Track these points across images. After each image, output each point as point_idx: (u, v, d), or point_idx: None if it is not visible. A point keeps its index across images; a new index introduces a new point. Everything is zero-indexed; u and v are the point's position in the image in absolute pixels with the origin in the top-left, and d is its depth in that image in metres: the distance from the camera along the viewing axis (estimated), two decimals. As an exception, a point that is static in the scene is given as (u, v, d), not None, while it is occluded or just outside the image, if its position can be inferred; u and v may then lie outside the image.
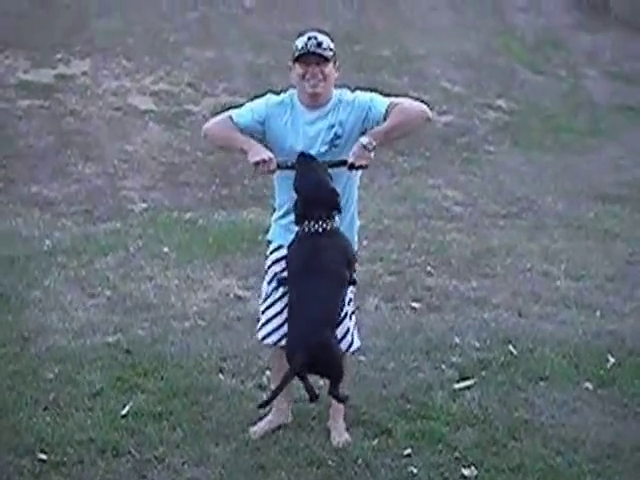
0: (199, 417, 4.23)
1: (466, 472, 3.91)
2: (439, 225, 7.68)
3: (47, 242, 6.81)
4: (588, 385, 4.76)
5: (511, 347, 5.17)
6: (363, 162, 3.78)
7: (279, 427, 4.15)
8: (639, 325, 5.63)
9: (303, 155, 3.80)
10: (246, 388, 4.59)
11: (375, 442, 4.11)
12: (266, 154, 3.80)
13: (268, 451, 3.91)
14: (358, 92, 3.94)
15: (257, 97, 4.03)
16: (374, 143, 3.76)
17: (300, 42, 3.83)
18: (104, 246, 6.74)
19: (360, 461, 3.95)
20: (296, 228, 3.82)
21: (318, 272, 3.69)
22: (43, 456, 3.88)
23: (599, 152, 10.71)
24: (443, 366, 4.93)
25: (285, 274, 3.88)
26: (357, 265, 4.03)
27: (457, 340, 5.26)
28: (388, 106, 3.83)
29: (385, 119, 3.81)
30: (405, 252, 6.86)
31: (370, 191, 8.17)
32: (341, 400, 3.87)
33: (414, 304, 5.86)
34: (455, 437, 4.17)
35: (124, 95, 10.23)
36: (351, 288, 4.01)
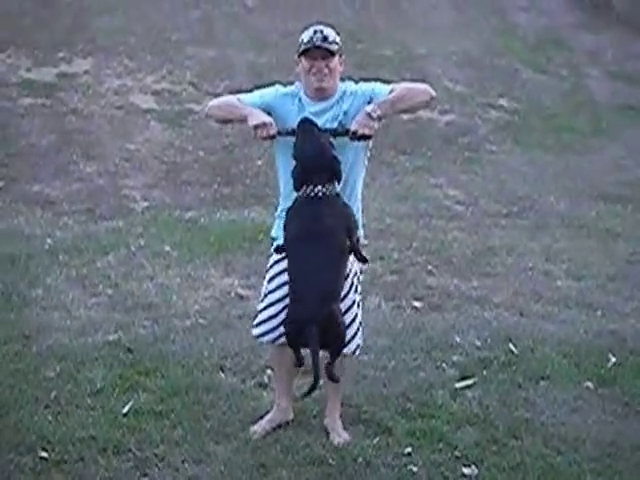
0: (200, 416, 4.23)
1: (466, 471, 3.92)
2: (440, 224, 7.68)
3: (49, 241, 6.82)
4: (589, 384, 4.77)
5: (512, 346, 5.17)
6: (366, 131, 3.71)
7: (280, 425, 4.15)
8: (640, 324, 5.64)
9: (305, 120, 3.76)
10: (247, 387, 4.60)
11: (376, 441, 4.11)
12: (266, 118, 3.78)
13: (269, 450, 3.92)
14: (362, 82, 3.96)
15: (264, 87, 4.04)
16: (378, 112, 3.72)
17: (306, 36, 3.83)
18: (105, 245, 6.74)
19: (360, 460, 3.95)
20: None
21: (317, 240, 3.62)
22: (44, 454, 3.88)
23: (601, 152, 10.71)
24: (444, 365, 4.94)
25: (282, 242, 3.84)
26: (363, 239, 4.01)
27: (458, 339, 5.26)
28: (391, 89, 3.85)
29: (387, 91, 3.86)
30: (406, 251, 6.86)
31: (372, 190, 8.16)
32: (335, 379, 3.83)
33: (415, 303, 5.87)
34: (456, 436, 4.18)
35: (126, 94, 10.24)
36: (358, 289, 4.01)
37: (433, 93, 3.87)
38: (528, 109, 11.82)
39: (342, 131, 3.78)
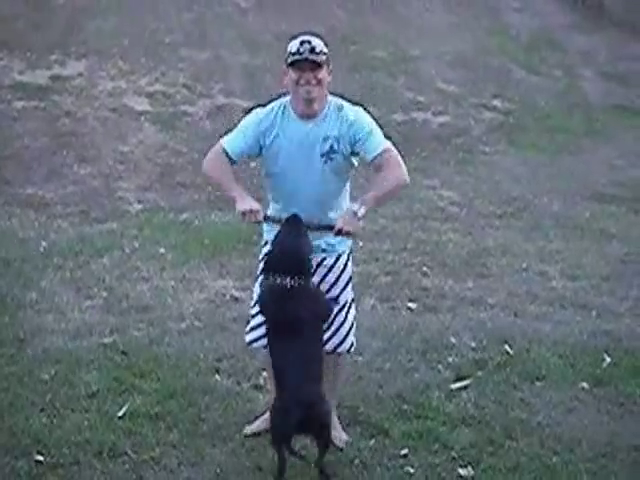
0: (196, 418, 4.23)
1: (463, 472, 3.92)
2: (435, 225, 7.69)
3: (43, 243, 6.81)
4: (584, 385, 4.77)
5: (507, 347, 5.17)
6: (352, 229, 3.78)
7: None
8: (635, 325, 5.64)
9: (294, 216, 3.81)
10: (242, 389, 4.59)
11: (372, 442, 4.11)
12: (254, 204, 3.82)
13: (264, 452, 3.91)
14: (360, 112, 3.88)
15: (248, 111, 4.01)
16: (363, 211, 3.76)
17: (293, 46, 3.80)
18: (100, 247, 6.73)
19: (357, 461, 3.95)
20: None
21: (292, 337, 3.69)
22: (40, 457, 3.87)
23: (594, 152, 10.73)
24: (439, 366, 4.94)
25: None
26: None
27: (453, 340, 5.26)
28: (380, 153, 3.83)
29: (373, 160, 3.83)
30: (401, 252, 6.86)
31: (366, 191, 8.15)
32: (327, 476, 3.75)
33: (410, 304, 5.87)
34: (452, 437, 4.18)
35: (120, 96, 10.23)
36: (350, 290, 4.04)
37: (407, 182, 3.93)
38: (522, 110, 11.84)
39: (327, 227, 3.84)
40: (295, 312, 3.69)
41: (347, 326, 4.04)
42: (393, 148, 3.89)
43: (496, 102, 11.90)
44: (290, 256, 3.74)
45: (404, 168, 3.88)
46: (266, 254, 3.89)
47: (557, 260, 6.86)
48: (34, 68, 10.49)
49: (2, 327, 5.24)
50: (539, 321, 5.67)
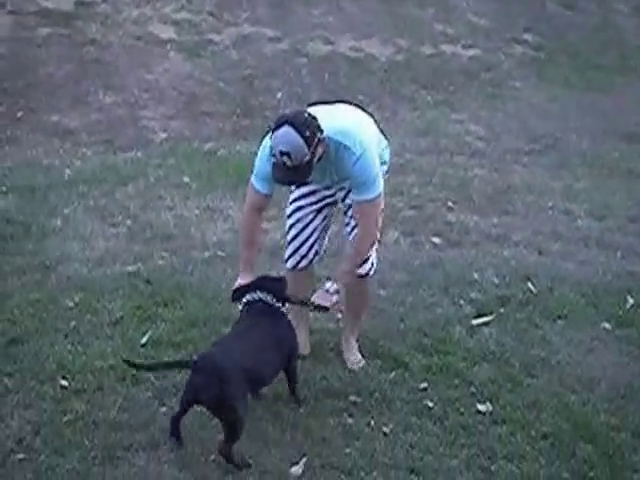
0: (217, 347, 4.26)
1: (481, 407, 3.95)
2: (461, 160, 7.60)
3: (67, 171, 6.81)
4: (606, 325, 4.76)
5: (530, 285, 5.16)
6: (327, 304, 3.86)
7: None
8: (660, 266, 5.60)
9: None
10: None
11: (392, 375, 4.15)
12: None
13: (284, 383, 3.95)
14: (359, 156, 3.73)
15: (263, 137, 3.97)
16: (335, 287, 3.84)
17: (273, 148, 3.67)
18: (124, 176, 6.73)
19: (377, 394, 3.99)
20: None
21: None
22: (64, 382, 3.94)
23: (626, 91, 10.49)
24: (461, 302, 4.94)
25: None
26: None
27: (476, 276, 5.25)
28: (362, 208, 3.83)
29: (357, 202, 3.83)
30: (426, 187, 6.81)
31: (392, 124, 8.08)
32: (230, 460, 3.47)
33: (434, 239, 5.84)
34: (471, 372, 4.21)
35: (145, 24, 10.10)
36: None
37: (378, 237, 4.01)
38: (553, 45, 11.57)
39: (304, 303, 3.97)
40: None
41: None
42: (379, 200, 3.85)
43: (527, 36, 11.64)
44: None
45: (374, 232, 3.92)
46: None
47: (583, 199, 6.79)
48: (59, -6, 10.36)
49: (27, 254, 5.28)
50: (563, 260, 5.63)
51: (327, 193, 4.09)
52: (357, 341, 4.30)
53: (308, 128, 3.59)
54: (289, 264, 4.23)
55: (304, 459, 3.54)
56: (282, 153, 3.59)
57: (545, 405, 3.99)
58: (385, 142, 4.05)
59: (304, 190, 4.09)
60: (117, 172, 6.83)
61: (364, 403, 3.93)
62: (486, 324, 4.69)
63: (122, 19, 10.10)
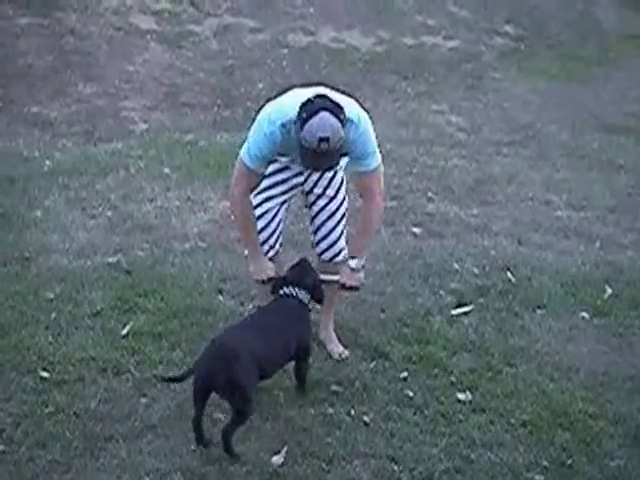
0: (198, 337, 4.27)
1: (461, 396, 3.98)
2: (441, 151, 7.63)
3: (47, 162, 6.78)
4: (584, 314, 4.81)
5: (510, 275, 5.19)
6: (355, 283, 4.04)
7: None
8: (638, 257, 5.65)
9: (304, 260, 4.06)
10: (245, 309, 4.64)
11: (372, 365, 4.17)
12: (266, 275, 4.05)
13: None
14: (363, 128, 3.82)
15: (258, 111, 3.98)
16: (360, 265, 4.01)
17: (310, 141, 3.59)
18: (104, 167, 6.70)
19: (357, 383, 4.01)
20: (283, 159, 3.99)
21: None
22: (45, 374, 3.94)
23: (606, 82, 10.57)
24: (441, 292, 4.97)
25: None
26: None
27: (456, 266, 5.28)
28: (364, 180, 3.92)
29: (359, 174, 3.92)
30: (407, 177, 6.83)
31: (373, 115, 8.01)
32: (229, 450, 3.50)
33: (414, 229, 5.87)
34: (451, 362, 4.23)
35: (125, 14, 10.04)
36: (345, 205, 4.19)
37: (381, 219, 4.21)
38: (534, 36, 11.63)
39: (333, 281, 4.06)
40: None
41: (338, 232, 4.18)
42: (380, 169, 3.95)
43: (508, 28, 11.69)
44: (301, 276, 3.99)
45: (380, 207, 4.01)
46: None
47: (563, 190, 6.83)
48: (37, -18, 10.27)
49: (7, 245, 5.26)
50: (542, 250, 5.68)
51: (297, 181, 4.10)
52: (334, 330, 4.32)
53: (341, 111, 3.63)
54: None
55: (285, 448, 3.55)
56: (322, 139, 3.56)
57: (524, 393, 4.03)
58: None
59: (276, 178, 4.08)
60: (97, 163, 6.80)
61: (345, 393, 3.95)
62: (466, 314, 4.72)
63: (102, 9, 10.03)
